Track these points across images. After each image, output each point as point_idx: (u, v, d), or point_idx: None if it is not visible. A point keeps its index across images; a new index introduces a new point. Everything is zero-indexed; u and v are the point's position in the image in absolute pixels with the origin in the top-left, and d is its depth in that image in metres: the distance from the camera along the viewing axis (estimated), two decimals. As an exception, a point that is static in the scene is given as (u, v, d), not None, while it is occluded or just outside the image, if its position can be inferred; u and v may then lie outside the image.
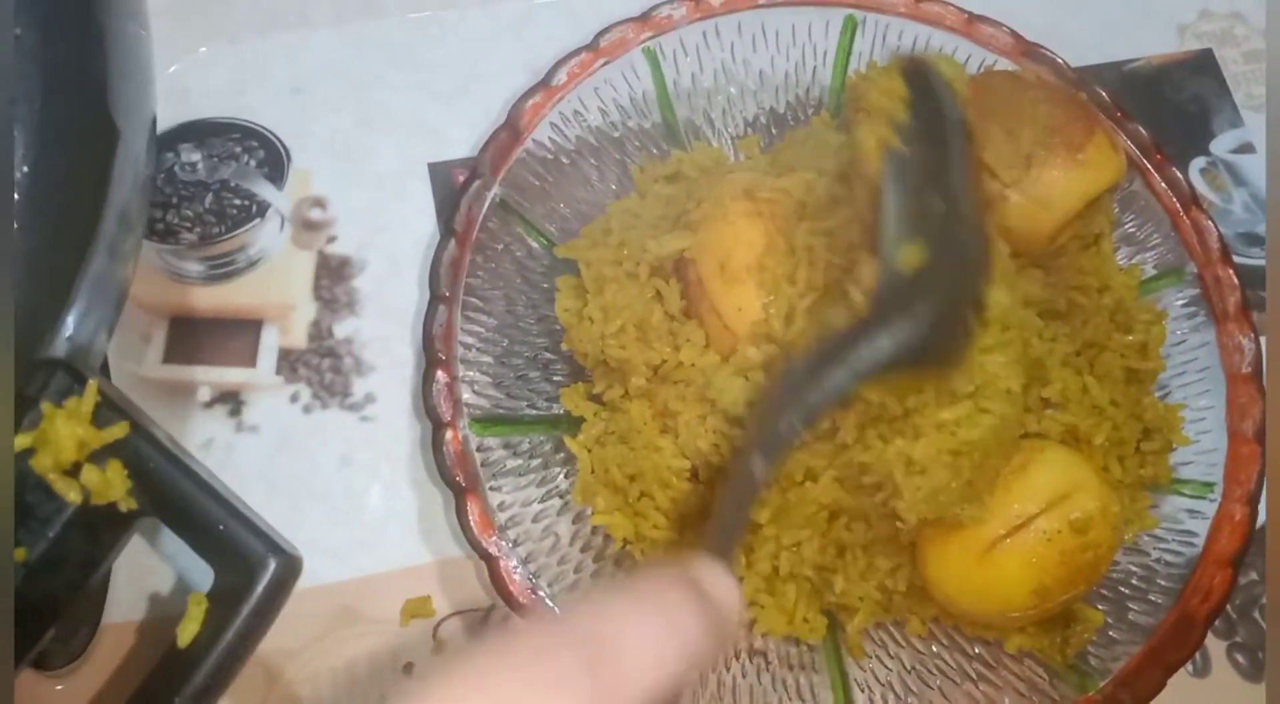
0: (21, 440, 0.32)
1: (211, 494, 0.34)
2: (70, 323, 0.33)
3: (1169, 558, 0.45)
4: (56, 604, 0.34)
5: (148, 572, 0.46)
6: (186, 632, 0.34)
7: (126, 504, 0.34)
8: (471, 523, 0.42)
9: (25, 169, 0.31)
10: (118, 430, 0.33)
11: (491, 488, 0.43)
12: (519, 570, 0.42)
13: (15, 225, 0.31)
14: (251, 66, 0.55)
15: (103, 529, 0.34)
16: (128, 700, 0.33)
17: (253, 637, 0.34)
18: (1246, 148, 0.59)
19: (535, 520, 0.44)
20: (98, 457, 0.33)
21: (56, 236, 0.33)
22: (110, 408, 0.33)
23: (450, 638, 0.46)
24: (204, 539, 0.34)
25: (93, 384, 0.33)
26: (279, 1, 0.56)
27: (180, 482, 0.34)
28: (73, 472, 0.33)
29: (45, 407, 0.32)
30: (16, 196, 0.31)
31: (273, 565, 0.34)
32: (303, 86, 0.55)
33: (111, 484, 0.33)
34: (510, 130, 0.48)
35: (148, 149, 0.37)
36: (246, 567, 0.34)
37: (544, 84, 0.48)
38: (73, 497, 0.33)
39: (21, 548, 0.32)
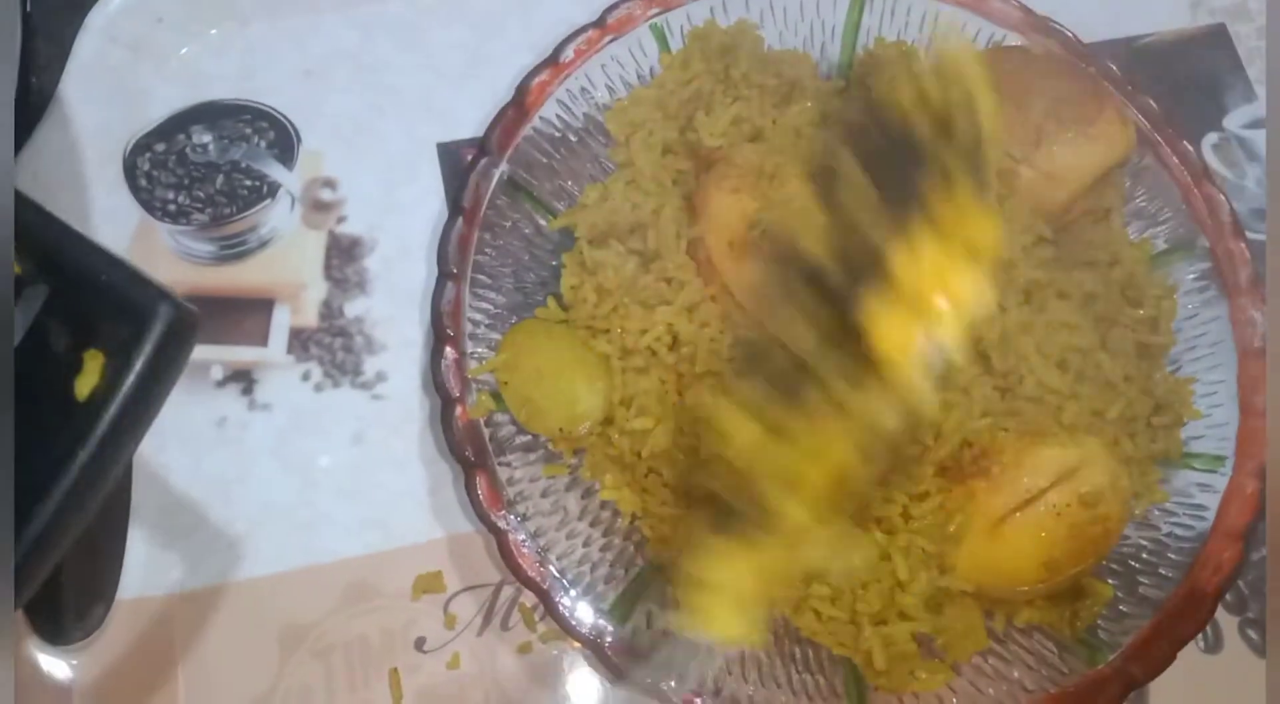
0: None
1: (93, 249, 0.33)
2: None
3: (1179, 532, 0.44)
4: None
5: (162, 548, 0.46)
6: (84, 385, 0.32)
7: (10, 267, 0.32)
8: (481, 498, 0.42)
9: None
10: None
11: (500, 463, 0.43)
12: (528, 545, 0.42)
13: None
14: (262, 49, 0.55)
15: None
16: (29, 456, 0.32)
17: (154, 388, 0.32)
18: (1260, 123, 0.58)
19: (544, 495, 0.44)
20: None
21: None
22: None
23: (461, 612, 0.46)
24: (91, 295, 0.32)
25: None
26: (288, -17, 0.56)
27: (61, 238, 0.33)
28: None
29: None
30: None
31: (163, 311, 0.32)
32: (312, 68, 0.55)
33: None
34: (518, 108, 0.48)
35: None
36: (138, 316, 0.32)
37: (551, 61, 0.48)
38: None
39: None
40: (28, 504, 0.31)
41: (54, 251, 0.33)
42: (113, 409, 0.32)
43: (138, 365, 0.32)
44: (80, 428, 0.32)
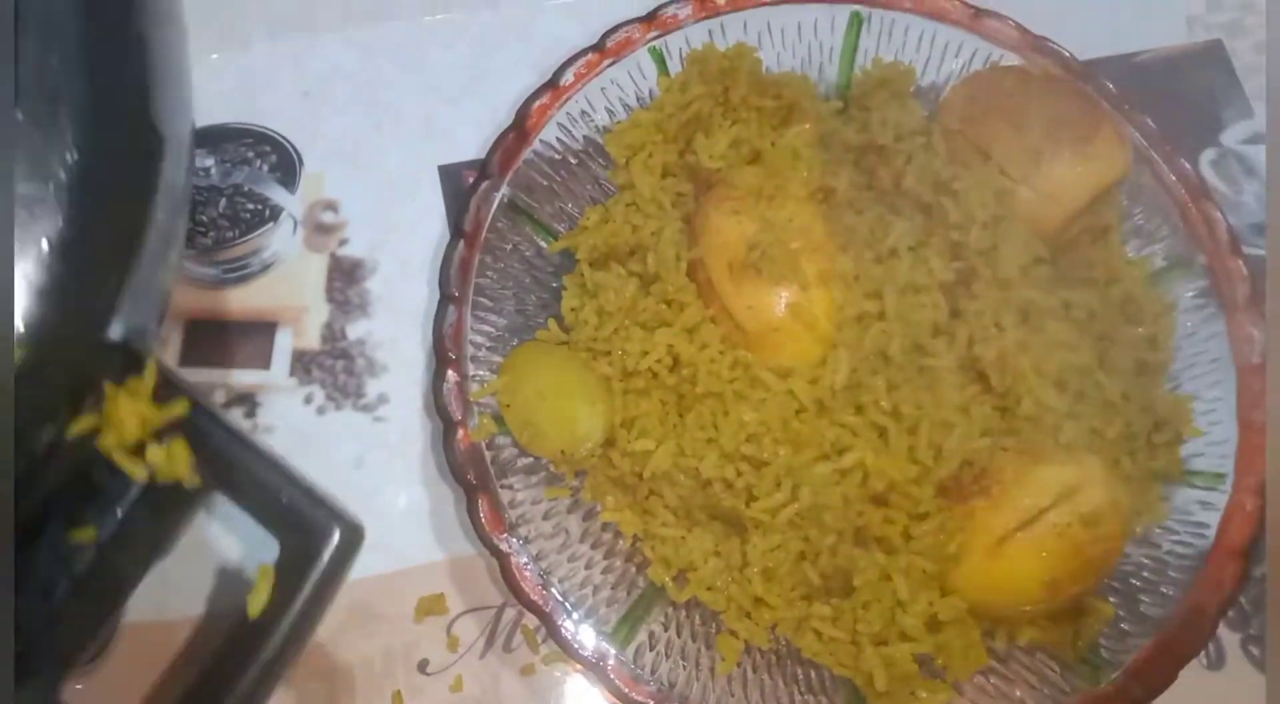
0: (86, 421, 0.31)
1: (273, 467, 0.34)
2: (124, 308, 0.32)
3: (1180, 550, 0.45)
4: (126, 584, 0.34)
5: (167, 569, 0.46)
6: (256, 603, 0.33)
7: (191, 481, 0.33)
8: (482, 520, 0.42)
9: (71, 176, 0.30)
10: (179, 408, 0.33)
11: (502, 485, 0.43)
12: (530, 567, 0.42)
13: (64, 221, 0.30)
14: (262, 72, 0.56)
15: (169, 507, 0.34)
16: (201, 673, 0.33)
17: (320, 604, 0.34)
18: (1257, 138, 0.59)
19: (546, 518, 0.44)
20: (161, 435, 0.33)
21: (108, 233, 0.32)
22: (170, 387, 0.33)
23: (464, 634, 0.46)
24: (268, 511, 0.34)
25: (152, 363, 0.33)
26: (288, 6, 0.56)
27: (242, 455, 0.34)
28: (138, 450, 0.32)
29: (107, 387, 0.31)
30: (65, 195, 0.30)
31: (337, 533, 0.34)
32: (313, 90, 0.56)
33: (176, 461, 0.33)
34: (518, 131, 0.48)
35: (189, 149, 0.37)
36: (311, 535, 0.34)
37: (551, 85, 0.49)
38: (139, 474, 0.32)
39: (91, 528, 0.32)
40: None
41: (236, 466, 0.34)
42: (282, 629, 0.33)
43: (308, 587, 0.33)
44: (250, 646, 0.33)
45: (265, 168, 0.54)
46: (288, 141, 0.54)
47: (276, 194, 0.53)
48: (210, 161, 0.54)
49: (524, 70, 0.55)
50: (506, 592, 0.43)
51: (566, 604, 0.42)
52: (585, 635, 0.42)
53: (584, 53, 0.49)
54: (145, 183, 0.33)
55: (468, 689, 0.45)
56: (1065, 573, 0.41)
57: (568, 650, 0.41)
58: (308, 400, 0.50)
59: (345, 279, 0.52)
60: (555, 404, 0.44)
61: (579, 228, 0.48)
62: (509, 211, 0.47)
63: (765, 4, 0.51)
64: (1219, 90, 0.60)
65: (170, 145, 0.34)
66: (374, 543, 0.47)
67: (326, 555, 0.34)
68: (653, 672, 0.42)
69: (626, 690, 0.41)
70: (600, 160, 0.50)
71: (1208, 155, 0.58)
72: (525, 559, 0.42)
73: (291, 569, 0.34)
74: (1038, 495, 0.41)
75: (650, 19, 0.50)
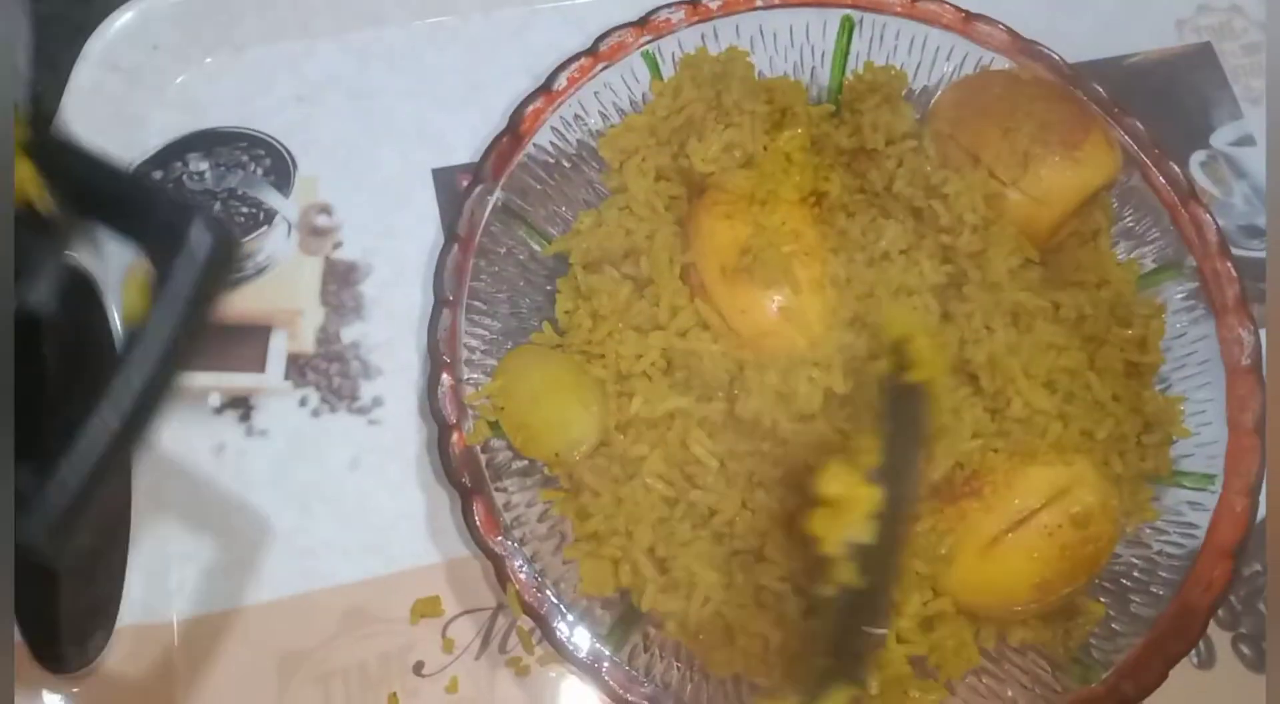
0: None
1: (120, 175, 0.32)
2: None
3: (1170, 550, 0.45)
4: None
5: (162, 576, 0.47)
6: (131, 305, 0.31)
7: (44, 205, 0.31)
8: (478, 523, 0.43)
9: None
10: (18, 131, 0.31)
11: (497, 488, 0.44)
12: (525, 570, 0.42)
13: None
14: (257, 76, 0.56)
15: (28, 237, 0.31)
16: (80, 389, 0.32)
17: (201, 305, 0.32)
18: (1246, 140, 0.59)
19: (540, 520, 0.44)
20: None
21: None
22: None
23: (459, 636, 0.46)
24: (126, 218, 0.32)
25: None
26: (283, 11, 0.56)
27: (89, 169, 0.32)
28: None
29: None
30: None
31: (197, 221, 0.31)
32: (307, 95, 0.56)
33: (24, 182, 0.31)
34: (511, 135, 0.48)
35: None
36: (173, 232, 0.31)
37: (544, 89, 0.49)
38: None
39: None
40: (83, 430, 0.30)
41: (84, 181, 0.32)
42: (166, 330, 0.31)
43: (184, 287, 0.31)
44: (134, 352, 0.30)
45: (259, 171, 0.54)
46: (282, 145, 0.55)
47: (271, 198, 0.54)
48: (204, 165, 0.54)
49: (517, 74, 0.55)
50: (501, 594, 0.43)
51: (561, 606, 0.42)
52: (580, 637, 0.42)
53: (577, 57, 0.49)
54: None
55: (463, 691, 0.46)
56: (1056, 573, 0.42)
57: (562, 653, 0.42)
58: (302, 403, 0.50)
59: (340, 282, 0.52)
60: (549, 407, 0.44)
61: (573, 231, 0.48)
62: (503, 215, 0.48)
63: (757, 8, 0.51)
64: (1208, 93, 0.60)
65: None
66: (369, 546, 0.48)
67: (197, 255, 0.31)
68: (647, 673, 0.42)
69: (621, 692, 0.41)
70: (594, 164, 0.50)
71: (1197, 157, 0.59)
72: (520, 562, 0.42)
73: (166, 271, 0.31)
74: (1029, 496, 0.42)
75: (643, 23, 0.50)
